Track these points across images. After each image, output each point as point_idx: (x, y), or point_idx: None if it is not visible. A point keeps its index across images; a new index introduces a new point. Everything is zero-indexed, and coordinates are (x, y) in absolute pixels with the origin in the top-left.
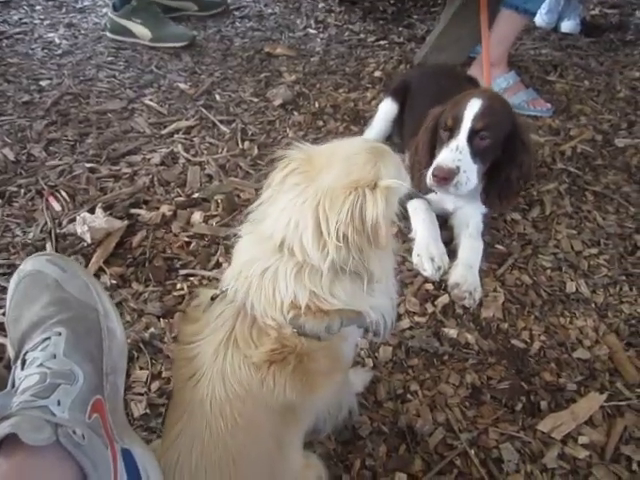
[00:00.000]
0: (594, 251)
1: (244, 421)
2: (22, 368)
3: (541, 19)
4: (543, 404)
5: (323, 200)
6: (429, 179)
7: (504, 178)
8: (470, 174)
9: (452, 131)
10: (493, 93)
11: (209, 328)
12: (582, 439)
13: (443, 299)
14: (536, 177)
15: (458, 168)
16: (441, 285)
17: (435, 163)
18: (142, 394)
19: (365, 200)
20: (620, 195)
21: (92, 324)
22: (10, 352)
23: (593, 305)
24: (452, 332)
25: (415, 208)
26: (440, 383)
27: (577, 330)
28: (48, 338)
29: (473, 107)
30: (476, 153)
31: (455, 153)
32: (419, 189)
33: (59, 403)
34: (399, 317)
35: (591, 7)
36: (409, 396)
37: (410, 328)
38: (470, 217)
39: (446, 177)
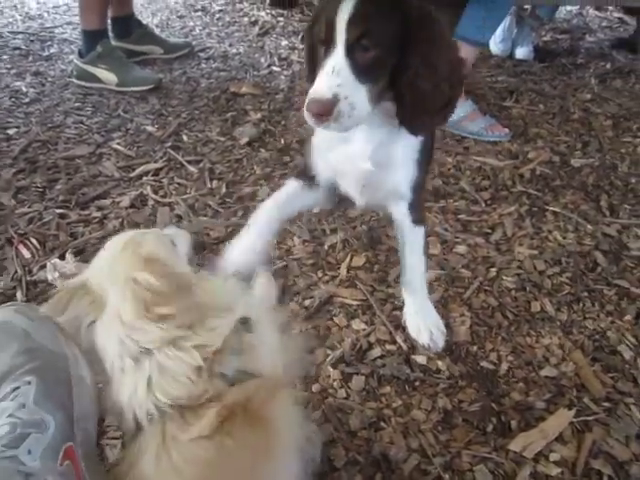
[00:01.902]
0: (556, 270)
1: None
2: None
3: (496, 47)
4: (513, 424)
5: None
6: (305, 116)
7: (414, 88)
8: (356, 99)
9: (327, 45)
10: None
11: (135, 463)
12: (553, 456)
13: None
14: (497, 200)
15: (336, 95)
16: None
17: (308, 95)
18: (117, 438)
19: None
20: (578, 214)
21: (61, 372)
22: None
23: (558, 323)
24: (422, 358)
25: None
26: (412, 409)
27: (543, 348)
28: (17, 388)
29: (345, 9)
30: (361, 70)
31: (331, 77)
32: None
33: (30, 452)
34: (370, 346)
35: (543, 33)
36: (382, 424)
37: (381, 357)
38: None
39: (321, 112)
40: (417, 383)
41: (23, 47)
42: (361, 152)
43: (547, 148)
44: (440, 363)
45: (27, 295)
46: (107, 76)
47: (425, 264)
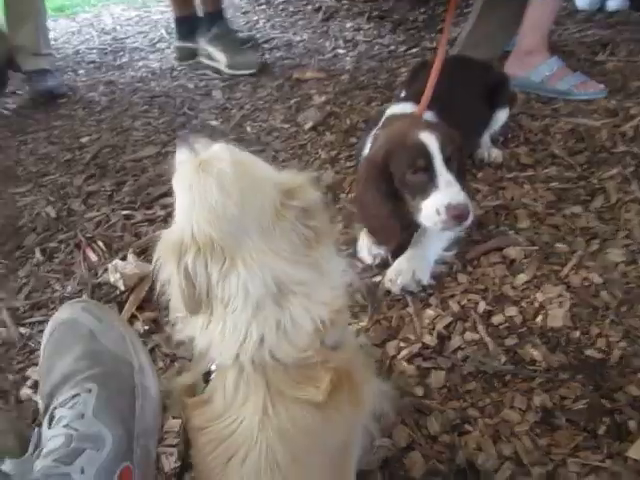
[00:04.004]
0: None
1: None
2: (50, 425)
3: (583, 1)
4: (632, 424)
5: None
6: (442, 222)
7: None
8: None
9: (428, 171)
10: (421, 118)
11: (231, 405)
12: None
13: (498, 317)
14: (595, 164)
15: (466, 199)
16: (496, 301)
17: (439, 207)
18: (174, 446)
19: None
20: None
21: (125, 381)
22: (40, 406)
23: None
24: (513, 348)
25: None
26: (503, 409)
27: None
28: (78, 395)
29: (431, 139)
30: (456, 178)
31: (454, 187)
32: (392, 244)
33: (82, 471)
34: (449, 336)
35: None
36: (467, 426)
37: (462, 348)
38: None
39: (464, 214)
40: (508, 377)
41: (97, 60)
42: None
43: None
44: (535, 353)
45: (92, 298)
46: (220, 57)
47: (444, 242)
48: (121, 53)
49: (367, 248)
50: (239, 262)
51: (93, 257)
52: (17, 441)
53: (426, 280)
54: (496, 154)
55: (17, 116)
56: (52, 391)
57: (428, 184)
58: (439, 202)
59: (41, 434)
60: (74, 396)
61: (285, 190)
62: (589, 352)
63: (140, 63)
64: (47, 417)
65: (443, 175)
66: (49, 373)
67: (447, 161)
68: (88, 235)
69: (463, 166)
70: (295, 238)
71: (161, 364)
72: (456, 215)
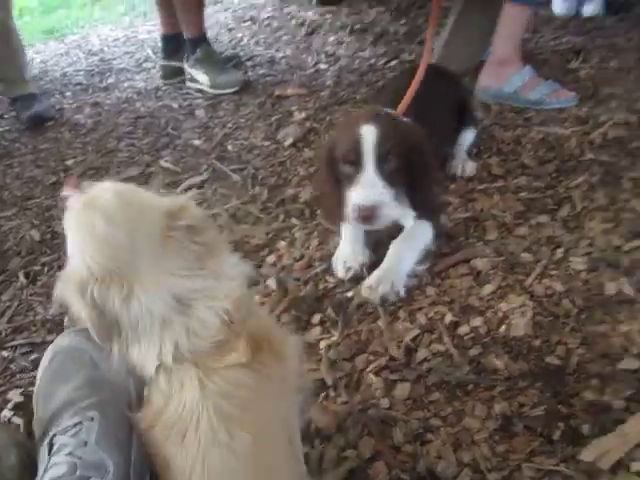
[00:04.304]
0: (636, 243)
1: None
2: (49, 452)
3: (559, 7)
4: (585, 428)
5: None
6: (352, 219)
7: (421, 187)
8: (390, 201)
9: (356, 165)
10: (377, 111)
11: (170, 396)
12: (635, 466)
13: (464, 328)
14: (563, 173)
15: (379, 202)
16: (462, 312)
17: (352, 204)
18: None
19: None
20: None
21: (124, 409)
22: (35, 429)
23: (639, 306)
24: (477, 358)
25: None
26: (465, 417)
27: (622, 337)
28: (80, 423)
29: (368, 133)
30: (386, 179)
31: (369, 189)
32: (334, 224)
33: None
34: (416, 348)
35: None
36: (430, 436)
37: (427, 360)
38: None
39: (370, 216)
40: (470, 387)
41: (84, 82)
42: None
43: (622, 108)
44: (498, 362)
45: (74, 321)
46: (203, 79)
47: (417, 255)
48: (107, 74)
49: (342, 263)
50: (137, 287)
51: None
52: (18, 457)
53: (402, 291)
54: (470, 168)
55: (3, 140)
56: (52, 417)
57: (353, 178)
58: (352, 199)
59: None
60: (76, 424)
61: (169, 213)
62: (549, 359)
63: (126, 84)
64: (46, 444)
65: (367, 173)
66: (49, 400)
67: (381, 159)
68: None
69: (426, 168)
70: (187, 255)
71: None
72: (362, 216)
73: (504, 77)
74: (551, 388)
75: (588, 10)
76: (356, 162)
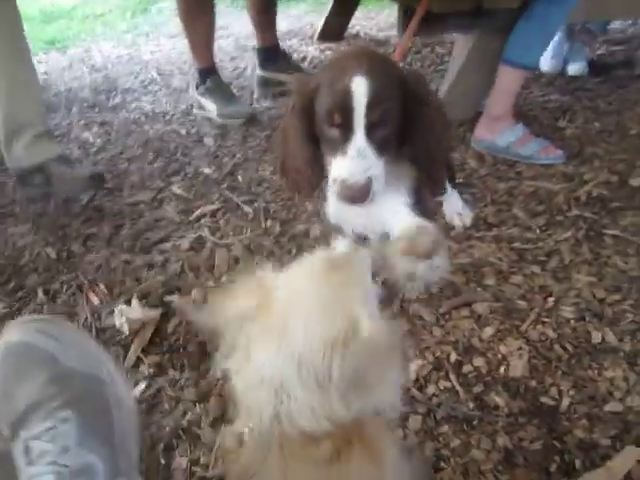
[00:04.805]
0: (617, 297)
1: None
2: (26, 457)
3: (547, 65)
4: (577, 463)
5: (305, 360)
6: (338, 197)
7: (425, 155)
8: (380, 174)
9: (343, 128)
10: (370, 54)
11: (252, 464)
12: None
13: (467, 367)
14: (552, 226)
15: (370, 178)
16: (466, 352)
17: (337, 179)
18: None
19: (350, 353)
20: None
21: (98, 399)
22: (3, 429)
23: (621, 354)
24: (480, 395)
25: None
26: (471, 449)
27: (607, 382)
28: (54, 427)
29: (360, 91)
30: (378, 147)
31: (359, 161)
32: (307, 196)
33: None
34: (426, 384)
35: (597, 47)
36: (442, 464)
37: (436, 395)
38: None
39: (359, 196)
40: (475, 422)
41: (90, 99)
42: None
43: (604, 168)
44: (498, 399)
45: (96, 340)
46: (211, 107)
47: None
48: (114, 93)
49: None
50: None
51: (95, 300)
52: None
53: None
54: (468, 219)
55: None
56: (19, 419)
57: (339, 144)
58: (336, 172)
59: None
60: (50, 428)
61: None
62: (544, 399)
63: (133, 105)
64: (21, 449)
65: (356, 140)
66: (9, 399)
67: (375, 123)
68: (89, 278)
69: (433, 127)
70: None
71: (166, 406)
72: (347, 195)
73: (498, 131)
74: (547, 425)
75: (573, 69)
76: (343, 125)
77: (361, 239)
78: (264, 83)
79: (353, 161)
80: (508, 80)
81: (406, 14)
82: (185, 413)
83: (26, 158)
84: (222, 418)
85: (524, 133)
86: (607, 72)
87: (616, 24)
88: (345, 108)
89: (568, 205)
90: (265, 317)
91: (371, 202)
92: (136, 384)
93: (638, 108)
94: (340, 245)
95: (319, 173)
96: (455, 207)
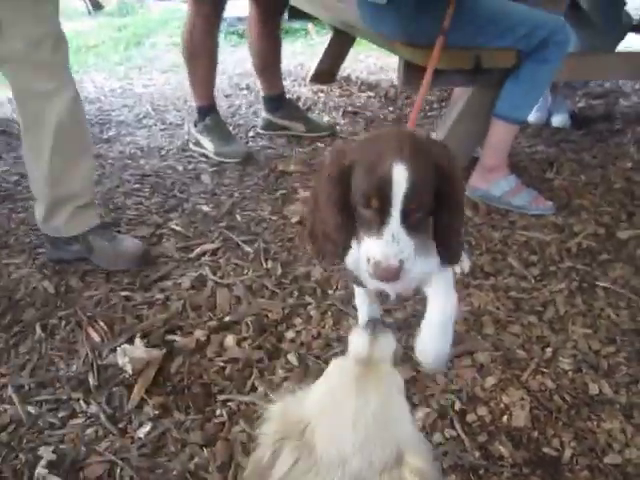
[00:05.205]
0: (612, 349)
1: None
2: None
3: (532, 116)
4: None
5: None
6: (370, 276)
7: (447, 228)
8: (411, 255)
9: (379, 212)
10: (409, 138)
11: None
12: None
13: (471, 416)
14: (546, 277)
15: (402, 261)
16: (470, 401)
17: (370, 259)
18: None
19: None
20: (630, 289)
21: None
22: None
23: (617, 406)
24: (485, 444)
25: (358, 299)
26: None
27: (605, 433)
28: None
29: (400, 180)
30: (411, 230)
31: (393, 245)
32: (330, 263)
33: None
34: (432, 431)
35: (577, 99)
36: None
37: (442, 443)
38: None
39: (389, 277)
40: (481, 471)
41: None
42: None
43: (592, 220)
44: (502, 449)
45: (98, 379)
46: (208, 145)
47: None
48: (107, 125)
49: (361, 344)
50: None
51: (96, 337)
52: None
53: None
54: (467, 267)
55: (4, 182)
56: None
57: (374, 225)
58: (370, 252)
59: None
60: None
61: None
62: (546, 450)
63: (128, 138)
64: None
65: (392, 225)
66: None
67: (411, 209)
68: (89, 314)
69: (459, 206)
70: None
71: (172, 448)
72: (380, 276)
73: (492, 181)
74: (550, 477)
75: (557, 121)
76: (379, 209)
77: (379, 294)
78: (268, 125)
79: (388, 245)
80: (500, 133)
81: (408, 66)
82: (192, 457)
83: (64, 230)
84: (229, 463)
85: (517, 183)
86: (588, 125)
87: None
88: (383, 194)
89: (560, 256)
90: (299, 451)
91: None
92: (141, 425)
93: (620, 163)
94: (357, 339)
95: (347, 241)
96: None
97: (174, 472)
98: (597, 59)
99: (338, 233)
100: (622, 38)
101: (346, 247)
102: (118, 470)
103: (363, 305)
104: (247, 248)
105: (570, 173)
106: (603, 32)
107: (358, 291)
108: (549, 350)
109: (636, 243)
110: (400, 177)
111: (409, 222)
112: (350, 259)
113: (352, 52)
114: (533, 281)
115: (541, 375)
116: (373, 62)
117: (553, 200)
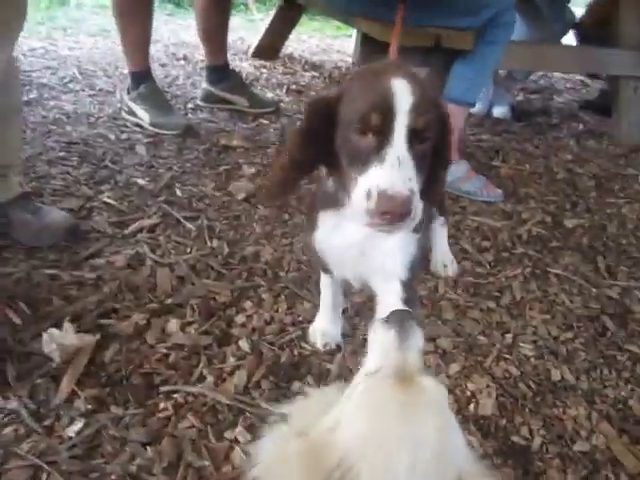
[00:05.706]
0: (569, 335)
1: None
2: None
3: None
4: None
5: None
6: (366, 213)
7: (436, 178)
8: (417, 192)
9: (380, 135)
10: (407, 66)
11: None
12: None
13: None
14: (501, 262)
15: (411, 191)
16: None
17: (379, 190)
18: None
19: None
20: (580, 276)
21: None
22: None
23: (580, 392)
24: None
25: (323, 284)
26: None
27: (572, 420)
28: None
29: (403, 93)
30: (417, 162)
31: (400, 170)
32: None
33: None
34: None
35: (516, 93)
36: None
37: None
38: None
39: (397, 214)
40: None
41: None
42: (355, 239)
43: (539, 208)
44: (472, 439)
45: (19, 370)
46: (143, 115)
47: None
48: (28, 87)
49: (320, 336)
50: None
51: (17, 320)
52: None
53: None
54: (451, 271)
55: None
56: None
57: (373, 152)
58: (374, 182)
59: None
60: None
61: None
62: (515, 439)
63: (52, 103)
64: None
65: (397, 148)
66: None
67: (416, 131)
68: (7, 294)
69: (447, 152)
70: None
71: (109, 449)
72: (386, 211)
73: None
74: (521, 467)
75: (498, 112)
76: (380, 131)
77: (343, 283)
78: (208, 97)
79: (394, 169)
80: (452, 116)
81: (365, 40)
82: (133, 457)
83: None
84: (177, 463)
85: (468, 169)
86: (527, 118)
87: (532, 74)
88: (385, 109)
89: (512, 242)
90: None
91: (408, 228)
92: (71, 422)
93: (561, 154)
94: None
95: (298, 178)
96: (444, 258)
97: (112, 476)
98: (543, 50)
99: (293, 168)
100: (565, 33)
101: (295, 183)
102: (44, 476)
103: (328, 287)
104: (189, 225)
105: (515, 162)
106: (549, 25)
107: (324, 277)
108: (509, 336)
109: (582, 231)
110: (403, 90)
111: (415, 150)
112: (319, 235)
113: (294, 33)
114: (488, 267)
115: (504, 361)
116: (316, 43)
117: (500, 187)
